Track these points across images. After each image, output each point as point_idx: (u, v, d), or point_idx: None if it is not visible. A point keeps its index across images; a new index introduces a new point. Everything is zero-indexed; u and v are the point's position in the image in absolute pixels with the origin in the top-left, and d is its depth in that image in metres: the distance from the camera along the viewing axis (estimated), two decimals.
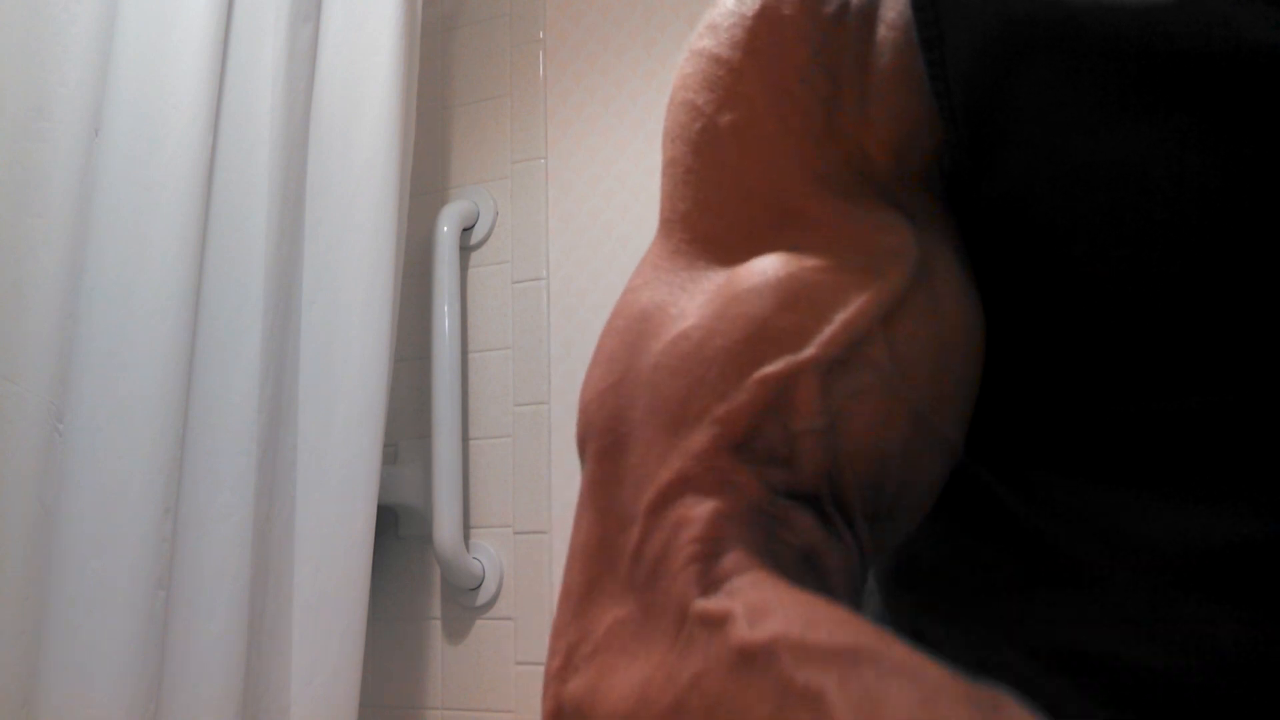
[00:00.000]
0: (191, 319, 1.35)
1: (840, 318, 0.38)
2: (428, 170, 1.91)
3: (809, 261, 0.40)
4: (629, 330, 0.41)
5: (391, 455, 1.83)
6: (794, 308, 0.39)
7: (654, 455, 0.37)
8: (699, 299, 0.40)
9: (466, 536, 1.77)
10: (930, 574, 0.46)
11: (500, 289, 1.85)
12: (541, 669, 1.87)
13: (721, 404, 0.37)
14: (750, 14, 0.43)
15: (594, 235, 1.79)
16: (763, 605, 0.32)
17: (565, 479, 1.75)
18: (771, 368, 0.37)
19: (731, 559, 0.34)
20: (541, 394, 1.78)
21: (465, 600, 1.77)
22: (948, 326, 0.40)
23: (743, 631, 0.31)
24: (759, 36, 0.43)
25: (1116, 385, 0.39)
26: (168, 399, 1.31)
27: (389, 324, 1.55)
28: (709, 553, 0.34)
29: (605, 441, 0.39)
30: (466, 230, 1.88)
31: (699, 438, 0.37)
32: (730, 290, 0.40)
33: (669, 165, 0.45)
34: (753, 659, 0.30)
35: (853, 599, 0.38)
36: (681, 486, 0.36)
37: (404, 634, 1.80)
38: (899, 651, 0.30)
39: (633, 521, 0.37)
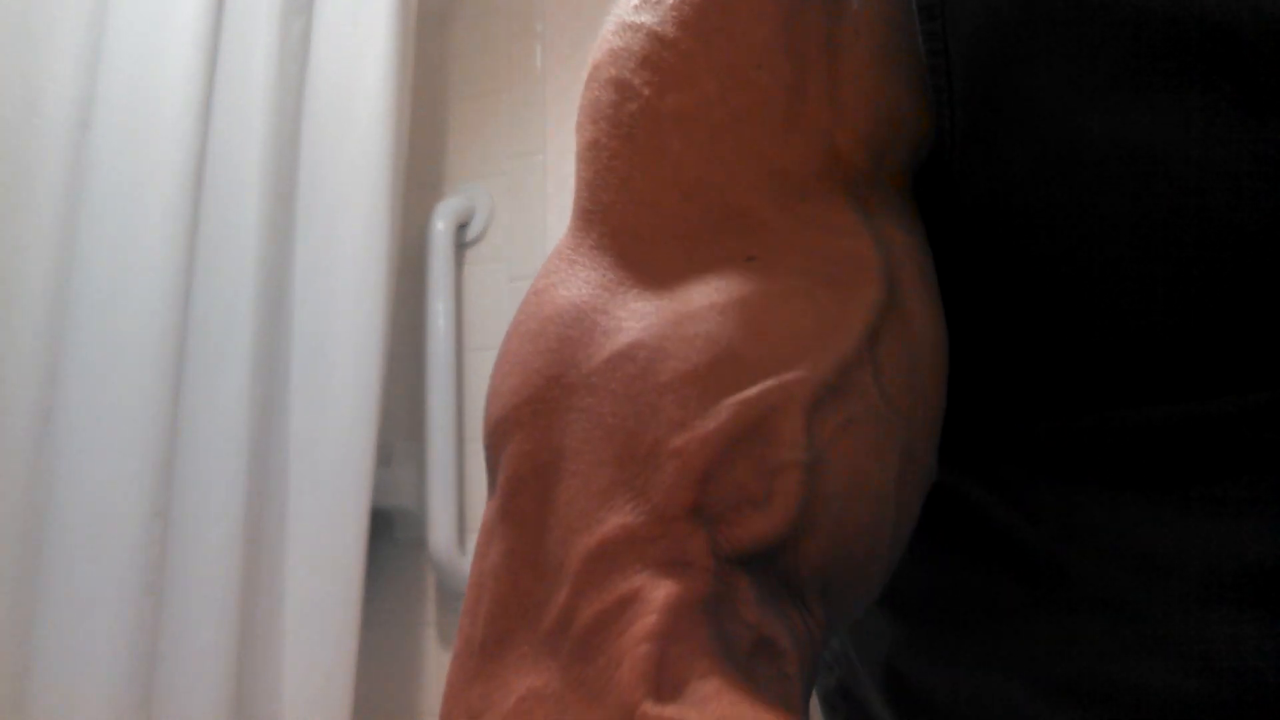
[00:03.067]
0: (181, 318, 1.35)
1: (825, 340, 0.34)
2: (422, 166, 1.89)
3: (771, 278, 0.35)
4: (547, 335, 0.35)
5: (385, 457, 1.81)
6: (765, 334, 0.33)
7: (592, 494, 0.32)
8: (636, 309, 0.34)
9: (462, 540, 1.75)
10: (908, 605, 0.42)
11: (496, 286, 1.83)
12: None
13: (681, 434, 0.32)
14: None
15: None
16: None
17: None
18: (748, 393, 0.32)
19: (689, 661, 0.29)
20: None
21: (460, 605, 1.76)
22: (921, 343, 0.36)
23: None
24: (710, 15, 0.37)
25: (1132, 386, 0.37)
26: (157, 399, 1.30)
27: (382, 322, 1.54)
28: (663, 648, 0.29)
29: (523, 467, 0.33)
30: (462, 227, 1.86)
31: (653, 477, 0.31)
32: (682, 307, 0.34)
33: (590, 148, 0.39)
34: None
35: (808, 683, 0.34)
36: (628, 548, 0.31)
37: (398, 640, 1.79)
38: None
39: (558, 571, 0.31)
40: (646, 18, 0.39)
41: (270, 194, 1.45)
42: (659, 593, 0.30)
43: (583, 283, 0.36)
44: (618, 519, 0.31)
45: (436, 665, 1.77)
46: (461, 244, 1.86)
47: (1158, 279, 0.36)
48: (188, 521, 1.32)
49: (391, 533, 1.82)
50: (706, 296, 0.34)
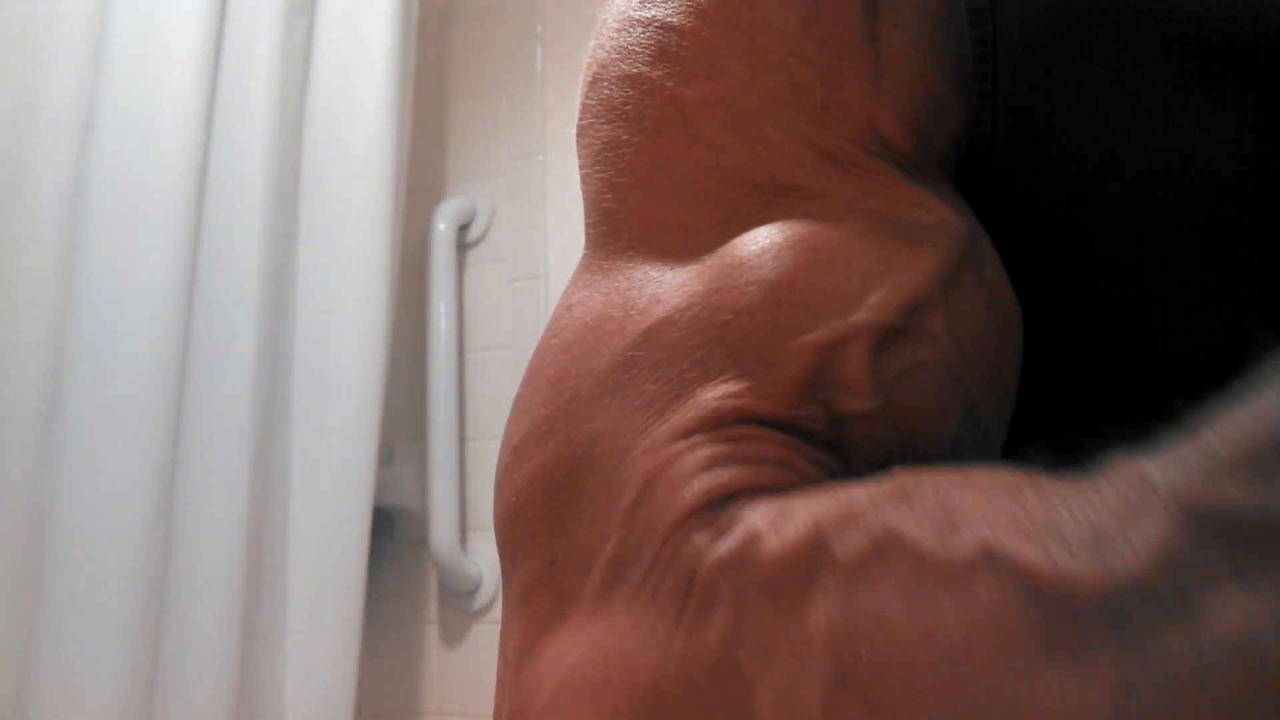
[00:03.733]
0: (184, 318, 1.34)
1: (893, 278, 0.31)
2: (424, 167, 1.89)
3: (831, 225, 0.32)
4: (579, 344, 0.32)
5: (387, 457, 1.81)
6: (828, 269, 0.30)
7: (633, 458, 0.28)
8: (677, 281, 0.31)
9: (464, 539, 1.75)
10: None
11: (497, 287, 1.83)
12: None
13: (737, 385, 0.29)
14: None
15: None
16: (783, 510, 0.25)
17: None
18: (810, 335, 0.29)
19: (744, 499, 0.26)
20: None
21: (462, 604, 1.76)
22: (1000, 312, 0.34)
23: (771, 546, 0.24)
24: (730, 3, 0.35)
25: (1162, 397, 0.36)
26: (161, 399, 1.30)
27: (384, 323, 1.54)
28: (716, 500, 0.26)
29: (557, 471, 0.30)
30: (463, 228, 1.86)
31: (701, 416, 0.28)
32: (730, 258, 0.31)
33: (608, 148, 0.36)
34: (795, 564, 0.24)
35: None
36: (679, 472, 0.27)
37: (400, 638, 1.79)
38: (946, 473, 0.25)
39: (604, 541, 0.28)
40: (656, 11, 0.36)
41: (273, 195, 1.45)
42: (710, 452, 0.27)
43: (623, 286, 0.33)
44: (660, 458, 0.28)
45: (437, 663, 1.76)
46: (463, 245, 1.86)
47: (1205, 290, 0.35)
48: (190, 520, 1.32)
49: (393, 532, 1.82)
50: (757, 243, 0.31)
